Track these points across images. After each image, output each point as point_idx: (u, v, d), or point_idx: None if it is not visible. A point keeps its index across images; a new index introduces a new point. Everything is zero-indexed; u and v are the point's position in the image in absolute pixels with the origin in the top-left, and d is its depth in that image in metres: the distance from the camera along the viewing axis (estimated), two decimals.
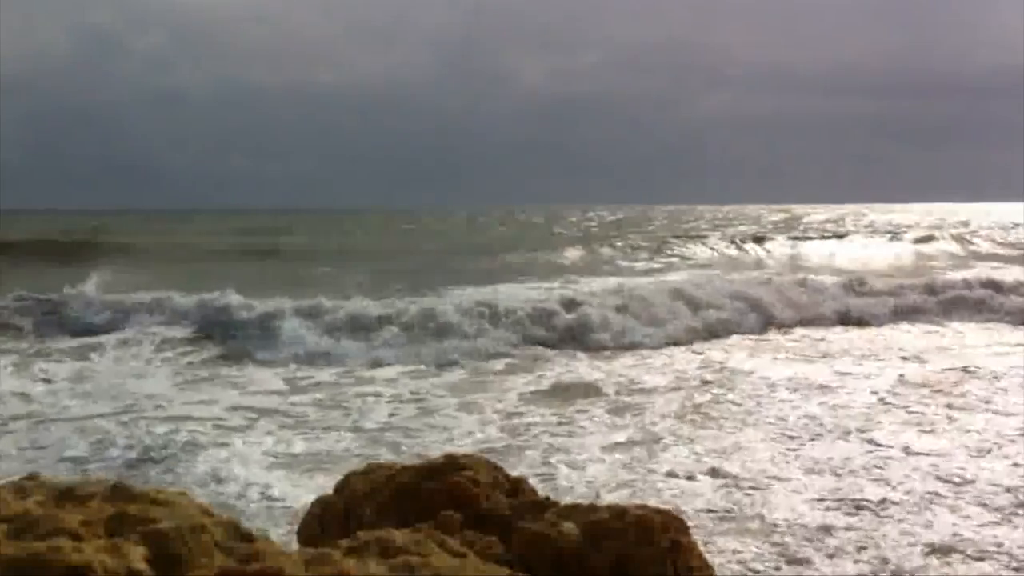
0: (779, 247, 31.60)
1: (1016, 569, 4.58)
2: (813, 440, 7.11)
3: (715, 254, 29.97)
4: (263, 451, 6.95)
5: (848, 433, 7.29)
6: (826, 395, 8.81)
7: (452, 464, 2.32)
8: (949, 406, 8.20)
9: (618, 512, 2.07)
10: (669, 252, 29.80)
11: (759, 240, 33.43)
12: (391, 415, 8.28)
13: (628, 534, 2.01)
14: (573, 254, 28.07)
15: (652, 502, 4.08)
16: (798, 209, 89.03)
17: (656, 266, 25.49)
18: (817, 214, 68.73)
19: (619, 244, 31.69)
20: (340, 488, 2.45)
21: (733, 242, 32.73)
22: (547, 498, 2.28)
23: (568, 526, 2.04)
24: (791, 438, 7.17)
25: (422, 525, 1.99)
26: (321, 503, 2.45)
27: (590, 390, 9.26)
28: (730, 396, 8.81)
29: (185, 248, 28.76)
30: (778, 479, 6.07)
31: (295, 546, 2.27)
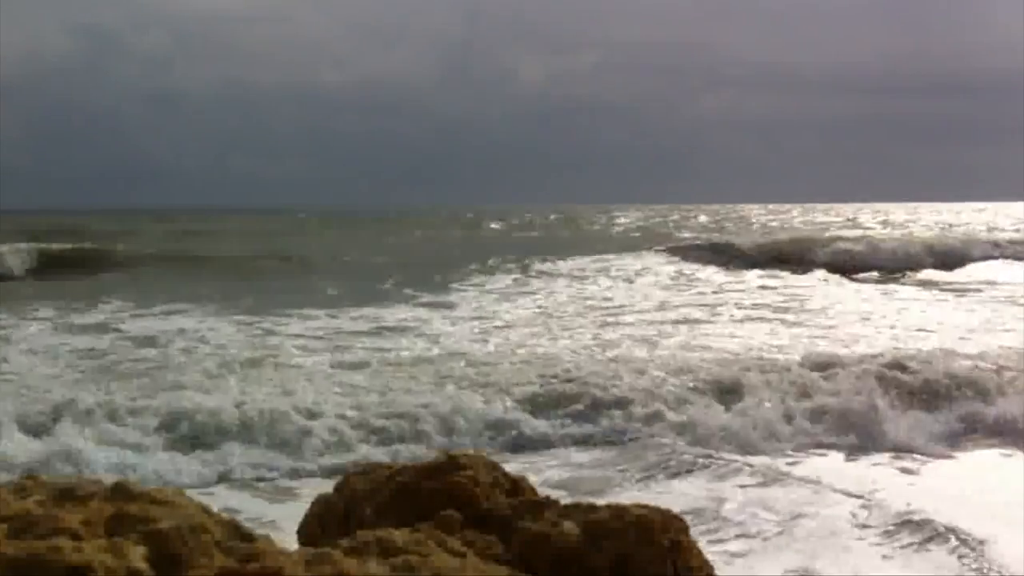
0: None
1: None
2: None
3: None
4: None
5: None
6: None
7: (452, 464, 2.31)
8: None
9: (618, 512, 2.07)
10: None
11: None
12: None
13: (628, 534, 2.01)
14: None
15: None
16: (816, 208, 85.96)
17: None
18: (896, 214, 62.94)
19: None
20: (340, 488, 2.44)
21: None
22: (547, 498, 2.28)
23: (568, 526, 2.04)
24: None
25: (422, 525, 1.99)
26: (321, 503, 2.45)
27: None
28: None
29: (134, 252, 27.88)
30: None
31: (295, 546, 2.26)
